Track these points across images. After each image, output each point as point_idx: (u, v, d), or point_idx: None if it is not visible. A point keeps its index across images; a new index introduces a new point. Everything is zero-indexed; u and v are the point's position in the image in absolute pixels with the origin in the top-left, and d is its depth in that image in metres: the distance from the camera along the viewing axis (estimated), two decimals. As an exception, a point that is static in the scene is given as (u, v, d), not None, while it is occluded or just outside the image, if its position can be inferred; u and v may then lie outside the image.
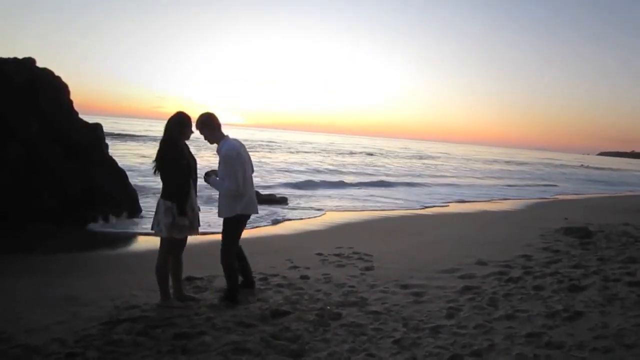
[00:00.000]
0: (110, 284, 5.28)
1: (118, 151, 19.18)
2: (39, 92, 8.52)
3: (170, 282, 4.69)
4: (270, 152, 38.75)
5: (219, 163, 4.53)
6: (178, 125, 4.48)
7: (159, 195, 4.62)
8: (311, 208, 12.20)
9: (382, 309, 4.63)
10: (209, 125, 4.56)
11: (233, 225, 4.67)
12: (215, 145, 4.68)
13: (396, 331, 4.06)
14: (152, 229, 4.62)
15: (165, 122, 4.53)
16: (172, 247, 4.60)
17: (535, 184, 26.76)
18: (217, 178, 4.62)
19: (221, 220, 4.71)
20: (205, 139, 4.63)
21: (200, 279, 5.41)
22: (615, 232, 9.28)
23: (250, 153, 4.88)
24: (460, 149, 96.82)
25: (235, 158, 4.43)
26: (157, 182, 4.96)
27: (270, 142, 52.67)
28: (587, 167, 63.19)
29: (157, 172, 4.50)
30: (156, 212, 4.53)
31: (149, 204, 10.86)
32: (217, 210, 4.72)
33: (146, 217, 9.60)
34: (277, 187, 16.45)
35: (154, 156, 4.52)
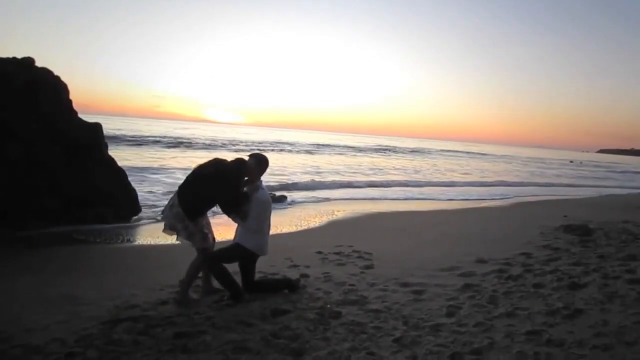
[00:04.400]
0: (110, 283, 5.28)
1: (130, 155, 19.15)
2: (39, 92, 8.51)
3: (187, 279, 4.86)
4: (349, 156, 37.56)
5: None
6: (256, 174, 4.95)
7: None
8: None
9: (382, 307, 4.63)
10: (262, 167, 5.03)
11: (240, 254, 4.93)
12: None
13: (396, 329, 4.07)
14: (189, 242, 4.76)
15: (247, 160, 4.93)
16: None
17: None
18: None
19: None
20: (250, 173, 4.98)
21: (200, 278, 5.40)
22: (615, 230, 9.27)
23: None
24: (463, 147, 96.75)
25: (264, 204, 4.93)
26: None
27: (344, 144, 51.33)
28: (581, 163, 63.84)
29: (201, 181, 4.71)
30: (181, 220, 4.64)
31: (148, 203, 10.88)
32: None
33: (146, 217, 9.61)
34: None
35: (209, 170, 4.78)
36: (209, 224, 4.94)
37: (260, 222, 4.91)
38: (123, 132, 39.08)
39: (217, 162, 4.91)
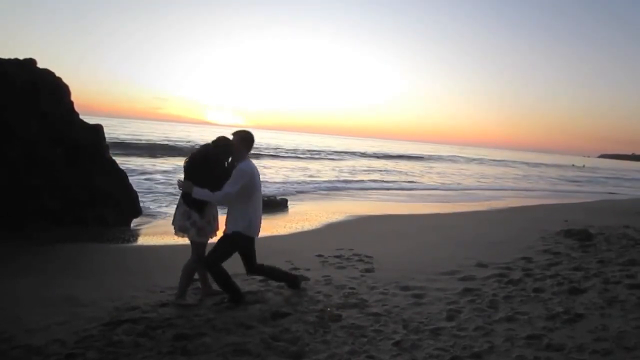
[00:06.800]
0: (110, 284, 5.28)
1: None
2: (40, 93, 8.53)
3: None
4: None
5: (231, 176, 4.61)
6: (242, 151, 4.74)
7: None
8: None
9: (382, 310, 4.63)
10: (247, 143, 4.76)
11: (230, 244, 4.74)
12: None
13: (396, 333, 4.07)
14: (181, 231, 4.73)
15: (231, 136, 4.73)
16: (204, 251, 4.80)
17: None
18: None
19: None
20: (236, 151, 4.76)
21: (199, 280, 5.40)
22: (616, 235, 9.27)
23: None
24: (463, 152, 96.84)
25: (246, 173, 4.58)
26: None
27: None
28: (584, 166, 64.46)
29: (189, 170, 4.66)
30: (188, 217, 4.65)
31: (149, 204, 10.88)
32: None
33: (146, 218, 9.62)
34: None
35: (194, 156, 4.75)
36: (216, 217, 4.87)
37: (236, 188, 4.48)
38: (126, 137, 38.99)
39: (204, 148, 4.82)
